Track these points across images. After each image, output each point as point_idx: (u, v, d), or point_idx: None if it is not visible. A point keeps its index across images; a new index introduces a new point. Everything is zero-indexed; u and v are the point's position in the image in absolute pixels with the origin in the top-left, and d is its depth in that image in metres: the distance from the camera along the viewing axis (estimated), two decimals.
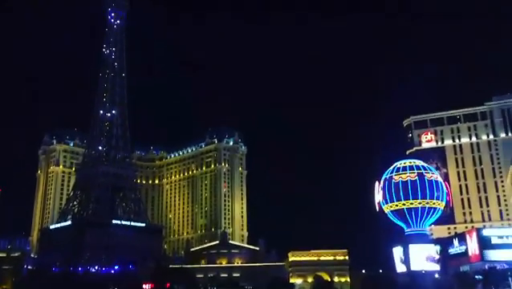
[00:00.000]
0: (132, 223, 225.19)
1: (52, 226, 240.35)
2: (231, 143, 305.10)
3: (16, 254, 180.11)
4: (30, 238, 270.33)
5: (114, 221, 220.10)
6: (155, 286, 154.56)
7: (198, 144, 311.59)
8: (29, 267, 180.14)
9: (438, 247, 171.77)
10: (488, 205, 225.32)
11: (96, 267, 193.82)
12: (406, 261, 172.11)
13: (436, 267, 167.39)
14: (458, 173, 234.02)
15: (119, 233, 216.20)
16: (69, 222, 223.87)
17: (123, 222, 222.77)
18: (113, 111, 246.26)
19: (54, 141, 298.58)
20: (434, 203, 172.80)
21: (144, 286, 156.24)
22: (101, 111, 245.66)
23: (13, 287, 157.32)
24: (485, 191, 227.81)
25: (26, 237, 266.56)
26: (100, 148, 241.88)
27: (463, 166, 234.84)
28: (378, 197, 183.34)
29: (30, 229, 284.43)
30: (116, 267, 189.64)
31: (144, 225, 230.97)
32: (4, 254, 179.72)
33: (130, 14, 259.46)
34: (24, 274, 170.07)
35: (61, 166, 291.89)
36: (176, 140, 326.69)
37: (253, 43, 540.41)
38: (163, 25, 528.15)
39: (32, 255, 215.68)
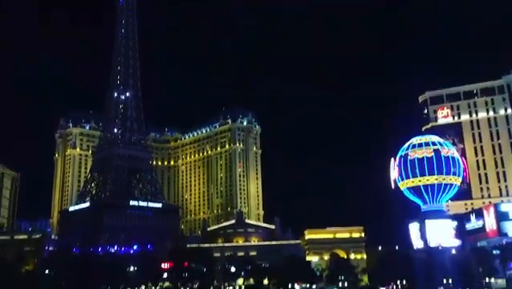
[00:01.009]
0: (149, 204, 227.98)
1: (71, 208, 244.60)
2: (245, 123, 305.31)
3: (37, 236, 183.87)
4: (50, 220, 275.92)
5: (131, 203, 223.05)
6: (173, 266, 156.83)
7: (212, 124, 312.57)
8: (50, 248, 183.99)
9: (455, 223, 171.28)
10: (506, 180, 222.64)
11: (115, 248, 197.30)
12: (423, 237, 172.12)
13: (457, 243, 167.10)
14: (475, 149, 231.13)
15: (136, 214, 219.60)
16: (87, 204, 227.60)
17: (141, 203, 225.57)
18: (127, 94, 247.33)
19: (71, 124, 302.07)
20: (451, 179, 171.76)
21: (162, 265, 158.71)
22: (115, 94, 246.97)
23: (35, 268, 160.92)
24: (503, 166, 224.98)
25: (46, 219, 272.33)
26: (116, 130, 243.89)
27: (480, 141, 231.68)
28: (393, 174, 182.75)
29: (50, 211, 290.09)
30: (135, 247, 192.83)
31: (160, 205, 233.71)
32: (26, 236, 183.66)
33: None
34: (46, 255, 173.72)
35: (78, 149, 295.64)
36: (190, 121, 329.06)
37: (263, 18, 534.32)
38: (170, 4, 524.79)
39: (53, 237, 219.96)
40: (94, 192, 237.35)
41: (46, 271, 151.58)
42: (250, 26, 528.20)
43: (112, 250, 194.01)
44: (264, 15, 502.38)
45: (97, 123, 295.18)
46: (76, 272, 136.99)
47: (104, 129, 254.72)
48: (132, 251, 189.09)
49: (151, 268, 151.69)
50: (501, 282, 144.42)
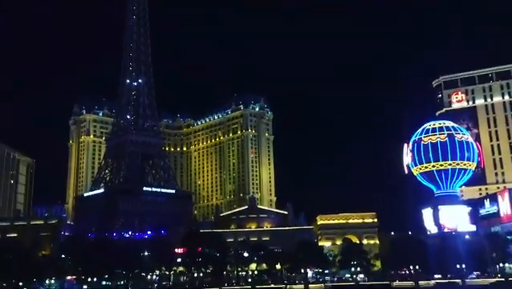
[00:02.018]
0: (163, 190, 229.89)
1: (86, 194, 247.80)
2: (257, 108, 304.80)
3: (53, 221, 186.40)
4: (65, 206, 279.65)
5: (145, 188, 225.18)
6: (187, 251, 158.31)
7: (224, 110, 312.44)
8: (66, 233, 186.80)
9: (469, 208, 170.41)
10: None
11: (130, 233, 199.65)
12: (436, 222, 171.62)
13: (471, 228, 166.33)
14: (490, 133, 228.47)
15: (150, 199, 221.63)
16: (102, 190, 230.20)
17: (154, 189, 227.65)
18: (139, 80, 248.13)
19: (84, 111, 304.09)
20: (465, 164, 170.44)
21: (176, 250, 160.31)
22: (127, 81, 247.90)
23: (52, 253, 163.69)
24: None
25: (62, 204, 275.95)
26: (128, 117, 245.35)
27: (495, 126, 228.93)
28: (407, 159, 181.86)
29: (66, 197, 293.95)
30: (149, 232, 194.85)
31: (173, 191, 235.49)
32: (42, 221, 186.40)
33: None
34: (62, 240, 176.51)
35: (91, 136, 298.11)
36: (202, 108, 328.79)
37: (276, 7, 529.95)
38: None
39: (68, 222, 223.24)
40: (108, 178, 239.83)
41: (63, 256, 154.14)
42: (259, 13, 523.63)
43: (127, 236, 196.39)
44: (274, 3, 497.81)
45: (110, 109, 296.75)
46: (92, 257, 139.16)
47: (117, 116, 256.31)
48: (146, 236, 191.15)
49: (165, 253, 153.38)
50: None
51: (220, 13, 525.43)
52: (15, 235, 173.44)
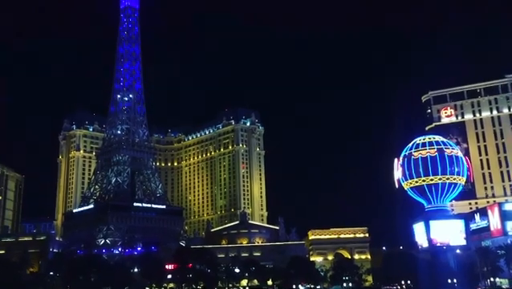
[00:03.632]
0: (153, 206, 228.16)
1: (75, 210, 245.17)
2: (248, 123, 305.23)
3: (42, 238, 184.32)
4: (54, 222, 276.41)
5: (135, 204, 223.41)
6: (177, 267, 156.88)
7: (215, 125, 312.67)
8: (55, 250, 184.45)
9: (460, 223, 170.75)
10: (510, 179, 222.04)
11: (120, 249, 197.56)
12: (427, 237, 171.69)
13: (461, 242, 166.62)
14: (479, 148, 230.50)
15: (140, 215, 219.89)
16: (91, 206, 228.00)
17: (144, 205, 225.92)
18: (130, 96, 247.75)
19: (74, 126, 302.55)
20: (455, 179, 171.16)
21: (166, 266, 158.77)
22: (118, 96, 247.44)
23: (40, 270, 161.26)
24: (507, 165, 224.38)
25: (50, 221, 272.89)
26: (119, 132, 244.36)
27: (484, 140, 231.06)
28: (397, 174, 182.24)
29: (54, 213, 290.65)
30: (139, 249, 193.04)
31: (164, 207, 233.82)
32: (30, 238, 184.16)
33: None
34: (50, 257, 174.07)
35: (81, 151, 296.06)
36: (193, 123, 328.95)
37: (266, 22, 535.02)
38: (176, 6, 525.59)
39: (57, 238, 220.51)
40: (98, 194, 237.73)
41: (51, 273, 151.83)
42: (252, 28, 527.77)
43: (116, 252, 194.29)
44: (264, 18, 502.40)
45: (101, 125, 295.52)
46: (80, 274, 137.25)
47: (108, 131, 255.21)
48: (136, 253, 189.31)
49: (155, 269, 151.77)
50: (505, 281, 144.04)
51: (211, 27, 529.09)
52: (3, 252, 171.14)
